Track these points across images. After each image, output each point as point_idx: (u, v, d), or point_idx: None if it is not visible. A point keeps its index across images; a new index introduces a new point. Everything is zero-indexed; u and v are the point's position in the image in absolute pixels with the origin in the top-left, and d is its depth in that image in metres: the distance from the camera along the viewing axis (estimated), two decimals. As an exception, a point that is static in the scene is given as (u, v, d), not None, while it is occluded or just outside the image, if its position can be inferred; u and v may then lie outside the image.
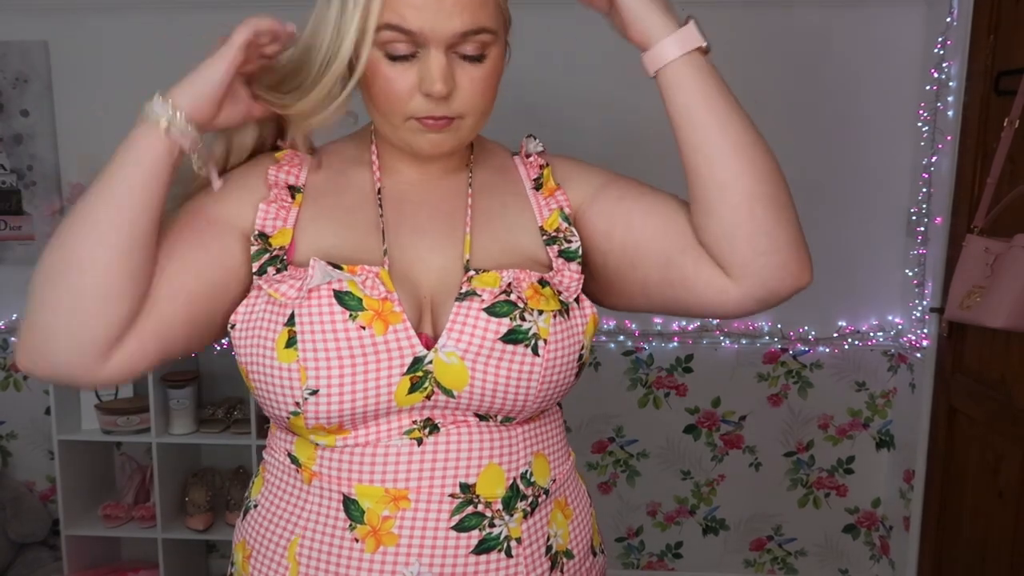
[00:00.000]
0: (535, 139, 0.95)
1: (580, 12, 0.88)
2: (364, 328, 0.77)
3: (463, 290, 0.81)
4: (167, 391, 2.43)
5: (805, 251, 0.81)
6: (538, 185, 0.91)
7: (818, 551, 2.68)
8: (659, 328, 2.54)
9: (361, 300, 0.78)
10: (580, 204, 0.90)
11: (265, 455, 0.91)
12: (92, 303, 0.73)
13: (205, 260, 0.81)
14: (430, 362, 0.79)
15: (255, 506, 0.89)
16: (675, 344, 2.54)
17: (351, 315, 0.77)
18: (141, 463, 2.63)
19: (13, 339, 2.61)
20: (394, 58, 0.78)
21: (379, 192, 0.87)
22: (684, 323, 2.53)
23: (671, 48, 0.78)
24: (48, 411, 2.47)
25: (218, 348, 2.43)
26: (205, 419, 2.48)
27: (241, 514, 0.92)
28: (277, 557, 0.84)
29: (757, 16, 2.37)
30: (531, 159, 0.93)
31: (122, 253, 0.74)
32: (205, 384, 2.59)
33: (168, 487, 2.48)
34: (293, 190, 0.87)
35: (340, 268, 0.80)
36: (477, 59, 0.79)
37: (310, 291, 0.78)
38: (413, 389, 0.79)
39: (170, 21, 2.39)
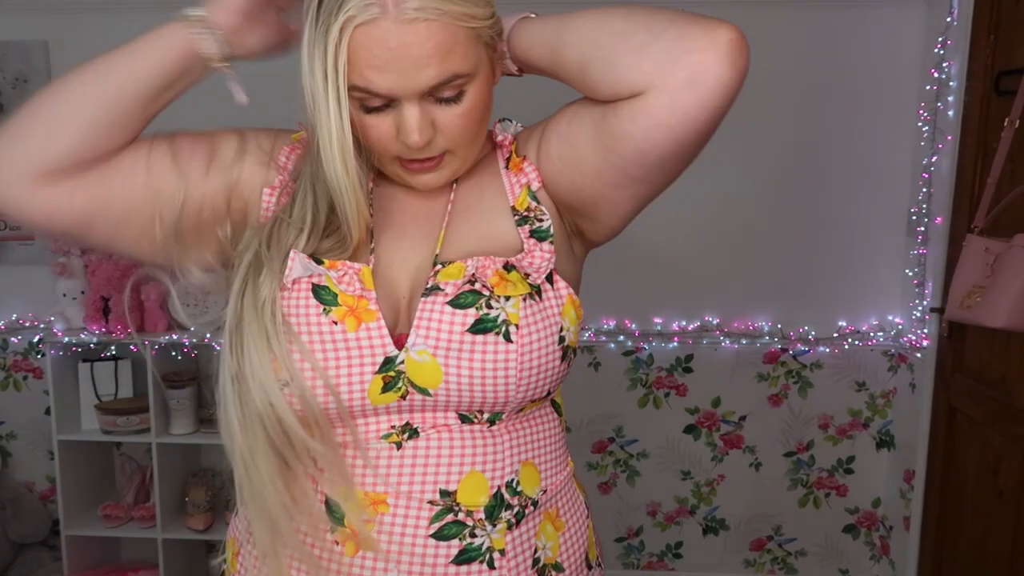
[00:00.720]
0: (511, 121, 0.93)
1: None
2: (336, 324, 0.78)
3: (428, 285, 0.81)
4: (167, 391, 2.43)
5: (696, 17, 0.75)
6: (508, 163, 0.90)
7: (818, 551, 2.68)
8: (659, 328, 2.54)
9: (336, 296, 0.79)
10: (536, 160, 0.88)
11: None
12: (55, 127, 0.77)
13: (180, 173, 0.82)
14: (402, 361, 0.79)
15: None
16: (675, 344, 2.54)
17: (325, 309, 0.78)
18: (141, 463, 2.63)
19: (14, 339, 2.61)
20: (370, 110, 0.78)
21: (371, 192, 0.87)
22: (684, 323, 2.53)
23: (508, 19, 0.84)
24: (48, 411, 2.47)
25: (218, 347, 2.42)
26: (205, 419, 2.48)
27: (235, 511, 0.92)
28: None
29: (757, 16, 2.37)
30: (502, 138, 0.91)
31: (96, 124, 0.77)
32: (205, 384, 2.58)
33: (168, 487, 2.48)
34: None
35: (321, 263, 0.81)
36: (455, 99, 0.78)
37: (292, 282, 0.79)
38: (387, 388, 0.79)
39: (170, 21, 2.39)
